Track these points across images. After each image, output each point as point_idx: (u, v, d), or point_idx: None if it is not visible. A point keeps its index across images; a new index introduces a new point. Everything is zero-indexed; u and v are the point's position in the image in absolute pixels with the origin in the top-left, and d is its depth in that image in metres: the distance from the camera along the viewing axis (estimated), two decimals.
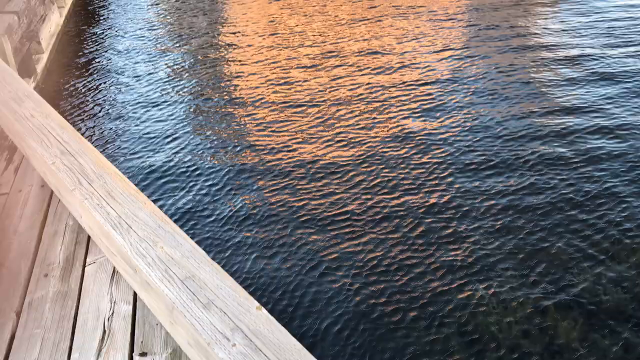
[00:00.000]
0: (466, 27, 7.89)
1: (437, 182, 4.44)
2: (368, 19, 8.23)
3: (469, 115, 5.46)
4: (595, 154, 4.75)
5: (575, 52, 6.85)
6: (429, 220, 4.00)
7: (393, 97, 5.86)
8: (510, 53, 6.93)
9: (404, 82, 6.21)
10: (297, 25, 8.10)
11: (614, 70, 6.30)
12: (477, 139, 5.04)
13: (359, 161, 4.74)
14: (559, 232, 3.83)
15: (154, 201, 3.43)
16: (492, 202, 4.16)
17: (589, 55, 6.74)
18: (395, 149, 4.89)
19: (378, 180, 4.48)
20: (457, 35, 7.57)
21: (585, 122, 5.27)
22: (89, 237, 2.25)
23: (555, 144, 4.93)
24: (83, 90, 6.42)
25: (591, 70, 6.33)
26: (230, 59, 7.06)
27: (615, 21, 7.73)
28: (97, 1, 9.46)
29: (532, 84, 6.10)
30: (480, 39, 7.40)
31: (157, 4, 9.30)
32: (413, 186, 4.39)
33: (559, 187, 4.31)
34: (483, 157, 4.74)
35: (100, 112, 5.92)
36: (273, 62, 6.83)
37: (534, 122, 5.31)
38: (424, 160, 4.74)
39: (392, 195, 4.28)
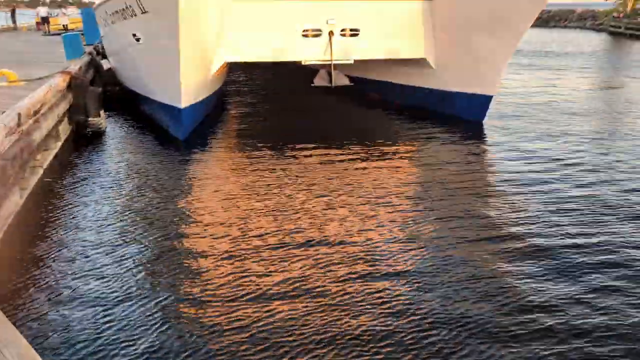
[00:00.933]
0: (423, 216, 8.18)
1: None
2: (323, 205, 8.50)
3: (429, 313, 5.42)
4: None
5: (536, 243, 7.03)
6: None
7: (351, 293, 5.80)
8: (471, 244, 7.10)
9: (361, 277, 6.23)
10: (256, 213, 8.27)
11: (578, 263, 6.46)
12: (441, 337, 4.95)
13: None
14: None
15: None
16: None
17: (551, 247, 6.92)
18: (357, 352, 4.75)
19: None
20: (414, 224, 7.80)
21: (550, 321, 5.27)
22: None
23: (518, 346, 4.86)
24: (31, 276, 6.17)
25: (554, 264, 6.45)
26: (191, 251, 6.91)
27: (578, 212, 8.11)
28: (62, 183, 9.58)
29: (494, 278, 6.16)
30: (438, 229, 7.63)
31: (120, 187, 9.46)
32: None
33: None
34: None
35: (44, 302, 5.61)
36: (232, 255, 6.78)
37: (498, 321, 5.28)
38: None
39: None
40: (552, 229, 7.45)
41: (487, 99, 14.17)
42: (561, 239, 7.16)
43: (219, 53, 13.19)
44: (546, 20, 66.74)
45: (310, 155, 11.29)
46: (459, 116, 14.56)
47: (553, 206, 8.33)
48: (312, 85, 14.91)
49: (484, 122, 14.30)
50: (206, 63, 12.75)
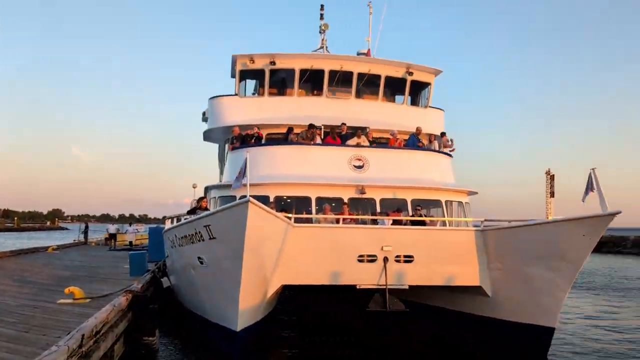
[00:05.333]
0: None
1: None
2: None
3: None
4: None
5: None
6: None
7: None
8: None
9: None
10: None
11: None
12: None
13: None
14: None
15: None
16: None
17: None
18: None
19: None
20: None
21: None
22: None
23: None
24: None
25: None
26: None
27: None
28: None
29: None
30: None
31: None
32: None
33: None
34: None
35: None
36: None
37: None
38: None
39: None
40: None
41: (548, 332, 13.54)
42: None
43: (276, 276, 13.54)
44: (598, 245, 66.41)
45: None
46: (519, 349, 13.82)
47: None
48: (367, 309, 14.79)
49: (548, 357, 13.46)
50: (263, 286, 13.04)
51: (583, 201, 12.54)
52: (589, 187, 12.17)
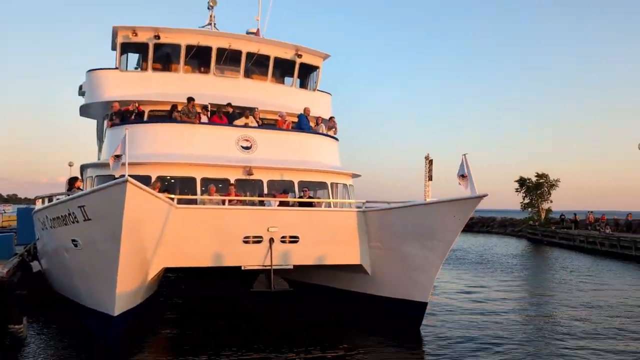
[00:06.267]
0: None
1: None
2: None
3: None
4: None
5: None
6: None
7: None
8: None
9: None
10: None
11: None
12: None
13: None
14: None
15: None
16: None
17: None
18: None
19: None
20: None
21: None
22: None
23: None
24: None
25: None
26: None
27: None
28: None
29: None
30: None
31: None
32: None
33: None
34: None
35: None
36: None
37: None
38: None
39: None
40: None
41: (421, 306, 14.45)
42: None
43: (157, 258, 13.14)
44: (470, 225, 71.64)
45: None
46: (396, 322, 14.64)
47: None
48: (252, 290, 14.83)
49: (420, 329, 14.38)
50: (144, 269, 12.60)
51: (459, 184, 13.36)
52: (461, 171, 13.00)
